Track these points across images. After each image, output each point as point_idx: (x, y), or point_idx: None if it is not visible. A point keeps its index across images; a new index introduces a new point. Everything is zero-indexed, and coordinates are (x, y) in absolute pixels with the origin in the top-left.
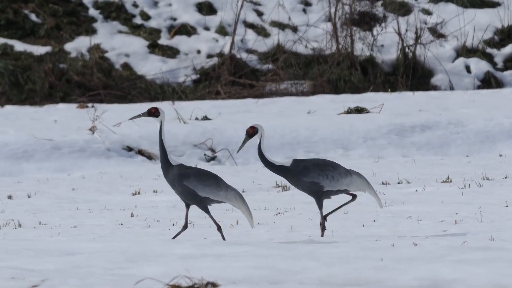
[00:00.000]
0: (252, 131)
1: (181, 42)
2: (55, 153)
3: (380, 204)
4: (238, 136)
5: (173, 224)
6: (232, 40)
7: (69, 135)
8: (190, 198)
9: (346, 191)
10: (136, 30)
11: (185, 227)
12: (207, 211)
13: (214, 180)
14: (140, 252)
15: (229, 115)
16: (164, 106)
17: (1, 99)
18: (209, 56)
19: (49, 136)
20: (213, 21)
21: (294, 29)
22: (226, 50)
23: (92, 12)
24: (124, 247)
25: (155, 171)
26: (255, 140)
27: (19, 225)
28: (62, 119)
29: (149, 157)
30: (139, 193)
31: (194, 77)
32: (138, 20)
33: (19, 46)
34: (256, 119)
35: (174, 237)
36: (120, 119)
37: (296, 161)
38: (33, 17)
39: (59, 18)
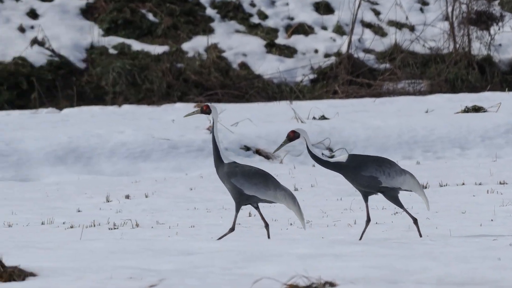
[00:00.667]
0: (292, 135)
1: (298, 41)
2: (172, 152)
3: (428, 206)
4: (355, 136)
5: (291, 224)
6: (350, 40)
7: (186, 134)
8: (238, 196)
9: (399, 189)
10: (253, 29)
11: (267, 225)
12: (237, 211)
13: (262, 179)
14: (258, 252)
15: (346, 115)
16: (281, 105)
17: (119, 99)
18: (326, 55)
19: (167, 135)
20: (330, 20)
21: (411, 28)
22: (344, 49)
23: (209, 11)
24: (241, 247)
25: (272, 171)
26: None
27: (137, 225)
28: (180, 118)
29: (267, 156)
30: None
31: (311, 76)
32: (255, 20)
33: (136, 45)
34: (374, 118)
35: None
36: (238, 118)
37: (352, 156)
38: (150, 16)
39: (176, 18)
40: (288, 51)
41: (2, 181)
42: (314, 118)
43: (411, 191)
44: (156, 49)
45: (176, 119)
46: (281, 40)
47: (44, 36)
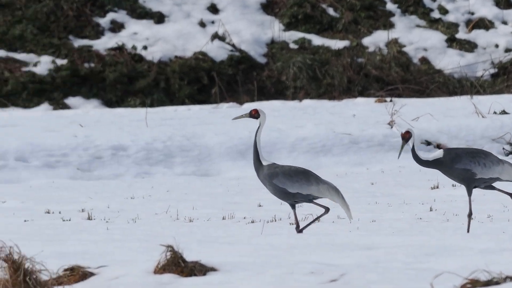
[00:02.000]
0: (408, 136)
1: (478, 36)
2: (353, 147)
3: None
4: None
5: (473, 218)
6: None
7: (367, 129)
8: (283, 196)
9: (498, 180)
10: (433, 24)
11: (297, 226)
12: (293, 208)
13: (303, 175)
14: (439, 246)
15: None
16: (462, 100)
17: (300, 93)
18: (507, 50)
19: (347, 130)
20: (510, 15)
21: None
22: None
23: (390, 6)
24: (422, 241)
25: None
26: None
27: (318, 220)
28: (360, 113)
29: None
30: (437, 187)
31: (492, 71)
32: (435, 14)
33: (316, 40)
34: None
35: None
36: (418, 113)
37: (447, 150)
38: (330, 11)
39: (356, 13)
40: (469, 46)
41: (183, 175)
42: (494, 112)
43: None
44: (337, 44)
45: (357, 113)
46: (461, 34)
47: (225, 31)
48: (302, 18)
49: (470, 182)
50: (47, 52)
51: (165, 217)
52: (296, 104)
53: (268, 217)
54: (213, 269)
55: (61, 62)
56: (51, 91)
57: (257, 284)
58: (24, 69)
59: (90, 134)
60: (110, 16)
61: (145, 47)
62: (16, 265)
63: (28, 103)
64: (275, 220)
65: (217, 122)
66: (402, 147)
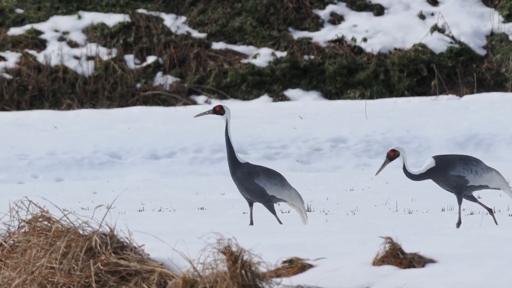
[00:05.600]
0: (393, 154)
1: None
2: None
3: None
4: None
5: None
6: None
7: None
8: (258, 196)
9: (486, 187)
10: None
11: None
12: (273, 210)
13: (279, 179)
14: None
15: None
16: None
17: None
18: None
19: None
20: None
21: None
22: None
23: None
24: None
25: None
26: None
27: None
28: None
29: None
30: None
31: None
32: None
33: None
34: None
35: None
36: None
37: (437, 158)
38: None
39: None
40: None
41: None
42: None
43: (498, 189)
44: None
45: None
46: None
47: (444, 23)
48: None
49: (462, 190)
50: (267, 44)
51: (384, 209)
52: None
53: (484, 209)
54: (431, 261)
55: (280, 54)
56: (270, 83)
57: (475, 275)
58: (244, 61)
59: (309, 126)
60: (330, 8)
61: (364, 39)
62: (234, 257)
63: (247, 95)
64: (494, 212)
65: (436, 114)
66: (383, 165)
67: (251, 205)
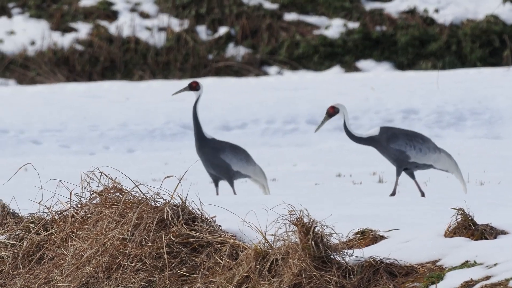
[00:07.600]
0: (332, 111)
1: None
2: None
3: (465, 189)
4: None
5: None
6: None
7: None
8: (223, 172)
9: (432, 167)
10: None
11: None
12: (232, 185)
13: (244, 155)
14: None
15: None
16: None
17: None
18: None
19: None
20: None
21: None
22: None
23: None
24: None
25: None
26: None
27: None
28: None
29: None
30: None
31: None
32: None
33: None
34: None
35: None
36: None
37: (384, 128)
38: None
39: None
40: None
41: (474, 138)
42: None
43: (446, 171)
44: None
45: None
46: None
47: None
48: None
49: (402, 164)
50: (339, 15)
51: (456, 180)
52: None
53: None
54: (503, 232)
55: (352, 25)
56: (342, 54)
57: None
58: (316, 32)
59: (381, 97)
60: None
61: (436, 10)
62: (306, 229)
63: (319, 66)
64: None
65: (508, 86)
66: (322, 122)
67: (216, 184)
